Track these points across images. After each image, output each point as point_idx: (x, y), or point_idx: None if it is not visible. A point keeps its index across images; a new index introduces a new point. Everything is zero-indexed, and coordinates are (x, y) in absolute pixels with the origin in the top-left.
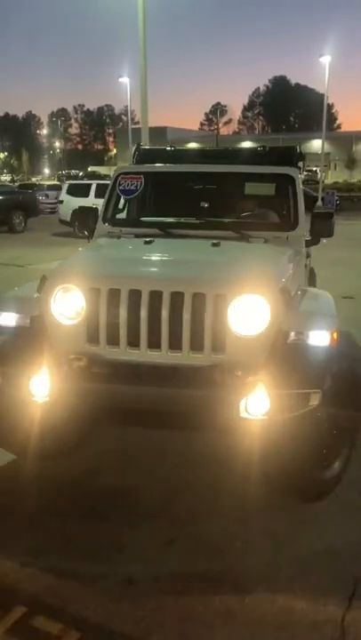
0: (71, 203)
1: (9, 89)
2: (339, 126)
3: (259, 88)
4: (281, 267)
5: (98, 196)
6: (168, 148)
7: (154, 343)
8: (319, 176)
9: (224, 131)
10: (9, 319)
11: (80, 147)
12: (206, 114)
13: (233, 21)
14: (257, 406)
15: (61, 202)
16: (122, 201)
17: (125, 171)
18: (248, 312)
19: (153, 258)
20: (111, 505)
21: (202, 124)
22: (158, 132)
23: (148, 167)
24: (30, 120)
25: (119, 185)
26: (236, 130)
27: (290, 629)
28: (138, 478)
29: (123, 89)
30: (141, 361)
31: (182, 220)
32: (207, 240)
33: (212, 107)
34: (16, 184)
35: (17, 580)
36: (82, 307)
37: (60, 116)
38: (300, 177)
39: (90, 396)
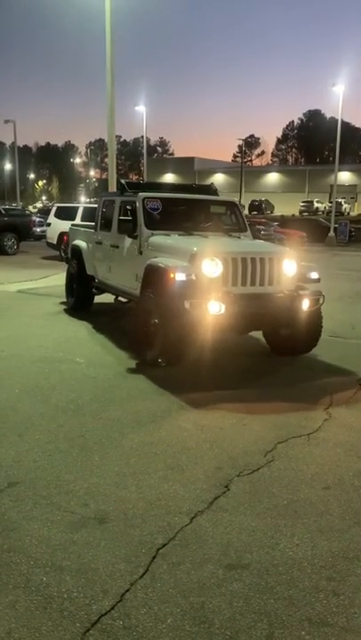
0: (58, 226)
1: (51, 119)
2: None
3: (293, 121)
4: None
5: (84, 218)
6: (141, 181)
7: (256, 283)
8: (343, 208)
9: (257, 162)
10: (181, 277)
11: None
12: (239, 146)
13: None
14: (307, 304)
15: (49, 224)
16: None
17: (147, 196)
18: (290, 265)
19: (236, 243)
20: None
21: (235, 156)
22: (186, 162)
23: (161, 195)
24: (69, 150)
25: (147, 205)
26: (270, 162)
27: None
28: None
29: (160, 121)
30: (251, 293)
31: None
32: (221, 235)
33: (245, 138)
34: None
35: None
36: (218, 267)
37: (98, 146)
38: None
39: (237, 307)
